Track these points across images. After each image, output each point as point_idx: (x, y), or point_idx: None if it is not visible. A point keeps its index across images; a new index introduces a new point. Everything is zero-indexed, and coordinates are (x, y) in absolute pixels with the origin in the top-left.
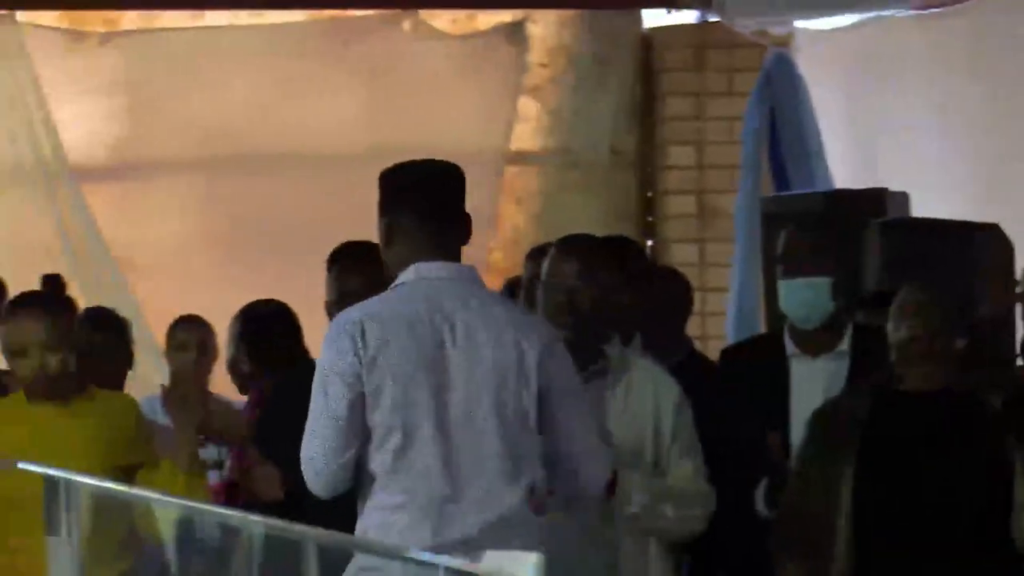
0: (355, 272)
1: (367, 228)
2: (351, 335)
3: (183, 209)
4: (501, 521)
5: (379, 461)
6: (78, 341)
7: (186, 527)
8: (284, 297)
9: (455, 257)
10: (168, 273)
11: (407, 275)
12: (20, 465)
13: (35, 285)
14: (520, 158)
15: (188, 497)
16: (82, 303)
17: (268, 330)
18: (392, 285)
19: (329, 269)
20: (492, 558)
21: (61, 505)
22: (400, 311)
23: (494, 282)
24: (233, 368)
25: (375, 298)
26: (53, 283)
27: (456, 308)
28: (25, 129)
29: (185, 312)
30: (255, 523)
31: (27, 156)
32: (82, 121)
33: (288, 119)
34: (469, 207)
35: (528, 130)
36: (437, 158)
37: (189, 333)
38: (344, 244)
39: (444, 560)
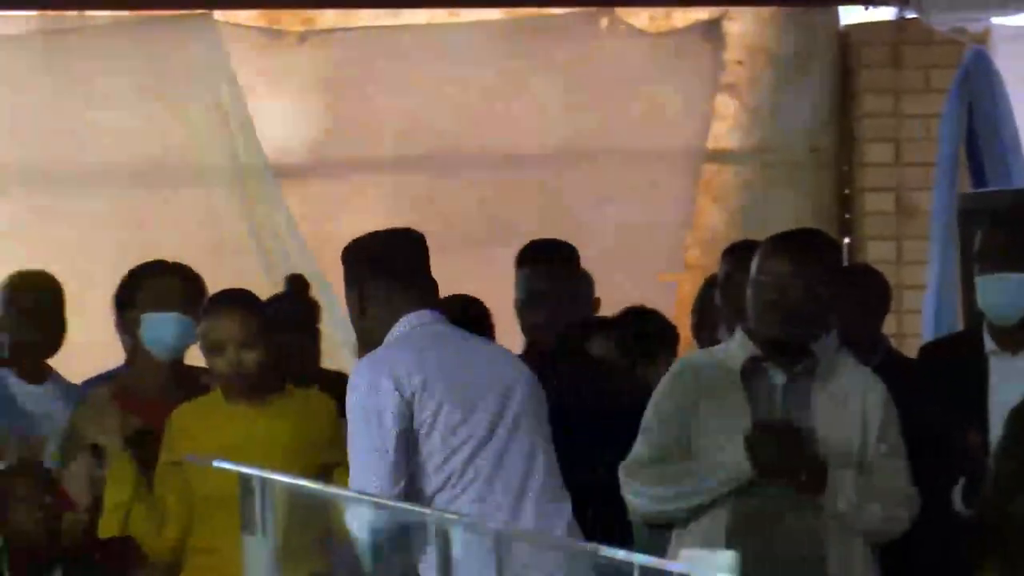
0: (544, 271)
1: (561, 227)
2: (391, 374)
3: (379, 207)
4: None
5: (433, 489)
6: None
7: (380, 525)
8: (478, 294)
9: (434, 305)
10: None
11: (401, 327)
12: (216, 464)
13: (232, 283)
14: (717, 156)
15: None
16: None
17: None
18: (390, 337)
19: (518, 267)
20: (686, 556)
21: (257, 503)
22: (422, 348)
23: (692, 279)
24: None
25: (389, 345)
26: (297, 283)
27: (461, 347)
28: (222, 128)
29: None
30: (448, 520)
31: (224, 155)
32: (279, 120)
33: (485, 117)
34: (668, 203)
35: (725, 128)
36: (400, 227)
37: None
38: (533, 242)
39: (639, 559)
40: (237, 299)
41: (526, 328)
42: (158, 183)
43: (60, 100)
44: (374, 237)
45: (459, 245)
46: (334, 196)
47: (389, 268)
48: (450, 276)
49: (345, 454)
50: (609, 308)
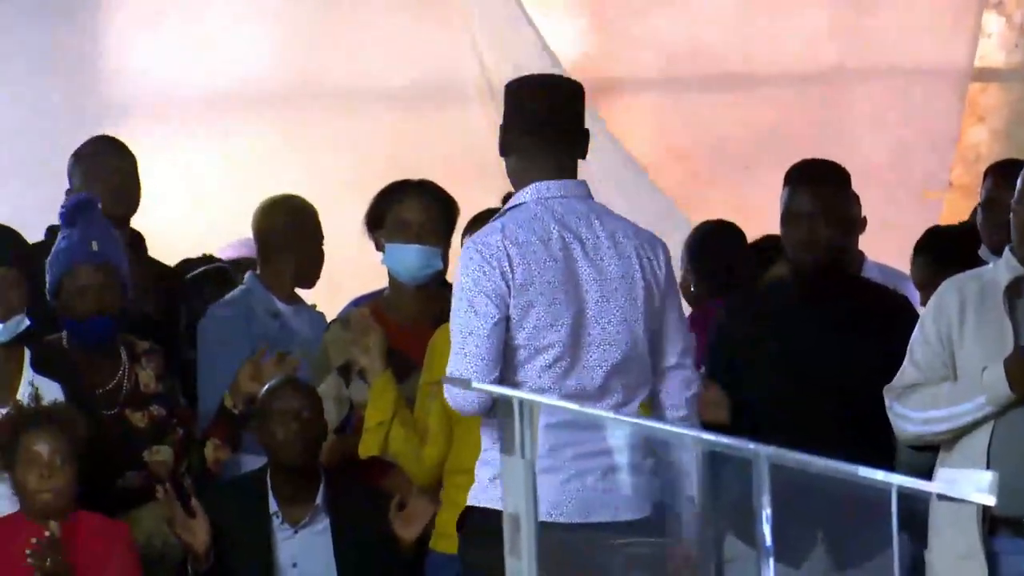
0: (809, 191)
1: (831, 146)
2: (496, 258)
3: (646, 129)
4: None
5: (526, 379)
6: None
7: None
8: (747, 217)
9: (570, 173)
10: (628, 193)
11: (525, 195)
12: (474, 385)
13: (481, 204)
14: (984, 75)
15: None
16: None
17: (710, 249)
18: (510, 204)
19: (784, 186)
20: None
21: (516, 424)
22: (533, 232)
23: (956, 198)
24: (684, 288)
25: (501, 221)
26: None
27: (580, 225)
28: (472, 47)
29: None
30: (704, 441)
31: (473, 74)
32: (549, 40)
33: (754, 37)
34: (934, 122)
35: (992, 46)
36: (560, 75)
37: None
38: (801, 162)
39: (897, 479)
40: None
41: (788, 246)
42: (421, 102)
43: (326, 21)
44: (534, 82)
45: (730, 166)
46: (602, 117)
47: (533, 121)
48: (722, 197)
49: None
50: (875, 227)
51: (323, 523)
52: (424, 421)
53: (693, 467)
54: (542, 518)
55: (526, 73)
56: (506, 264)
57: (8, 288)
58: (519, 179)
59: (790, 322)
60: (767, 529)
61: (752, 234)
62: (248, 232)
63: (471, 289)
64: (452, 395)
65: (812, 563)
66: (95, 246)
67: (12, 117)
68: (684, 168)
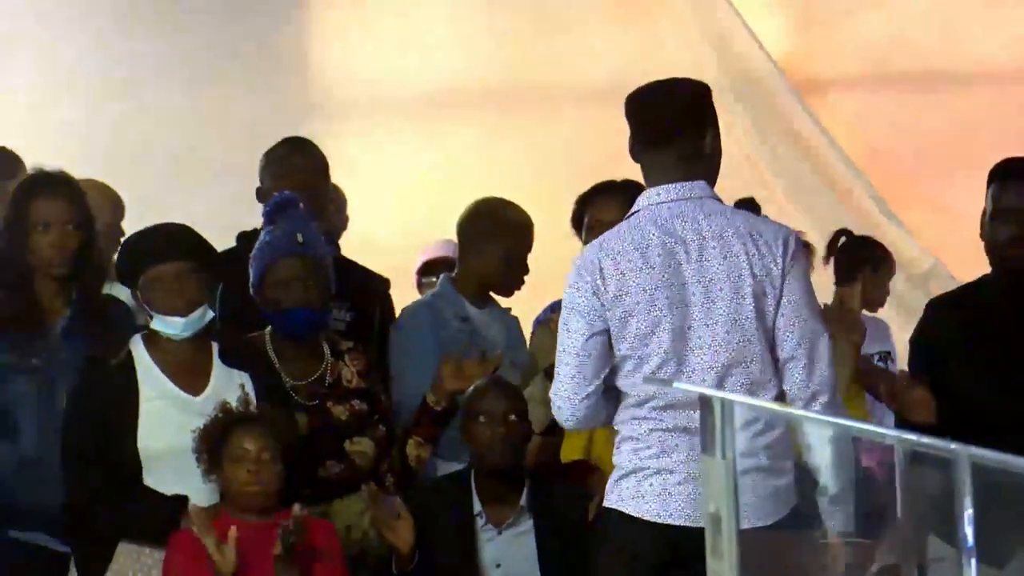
0: (1014, 187)
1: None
2: (590, 273)
3: (852, 127)
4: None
5: (633, 388)
6: None
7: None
8: (952, 217)
9: (685, 175)
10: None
11: (640, 202)
12: (676, 384)
13: None
14: None
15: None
16: None
17: None
18: (629, 212)
19: (989, 183)
20: None
21: (716, 424)
22: (632, 241)
23: None
24: None
25: (612, 231)
26: (747, 205)
27: (685, 228)
28: (695, 45)
29: None
30: (906, 441)
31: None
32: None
33: (959, 35)
34: None
35: None
36: (681, 78)
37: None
38: (1007, 159)
39: None
40: None
41: (991, 245)
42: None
43: (533, 20)
44: (645, 90)
45: (935, 166)
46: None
47: (642, 129)
48: (924, 197)
49: None
50: None
51: (527, 524)
52: None
53: (842, 460)
54: (650, 517)
55: (739, 70)
56: (598, 278)
57: (187, 281)
58: (646, 183)
59: (997, 321)
60: (969, 530)
61: (955, 235)
62: (447, 233)
63: (567, 307)
64: (558, 405)
65: (1017, 563)
66: (300, 239)
67: (222, 118)
68: (888, 167)
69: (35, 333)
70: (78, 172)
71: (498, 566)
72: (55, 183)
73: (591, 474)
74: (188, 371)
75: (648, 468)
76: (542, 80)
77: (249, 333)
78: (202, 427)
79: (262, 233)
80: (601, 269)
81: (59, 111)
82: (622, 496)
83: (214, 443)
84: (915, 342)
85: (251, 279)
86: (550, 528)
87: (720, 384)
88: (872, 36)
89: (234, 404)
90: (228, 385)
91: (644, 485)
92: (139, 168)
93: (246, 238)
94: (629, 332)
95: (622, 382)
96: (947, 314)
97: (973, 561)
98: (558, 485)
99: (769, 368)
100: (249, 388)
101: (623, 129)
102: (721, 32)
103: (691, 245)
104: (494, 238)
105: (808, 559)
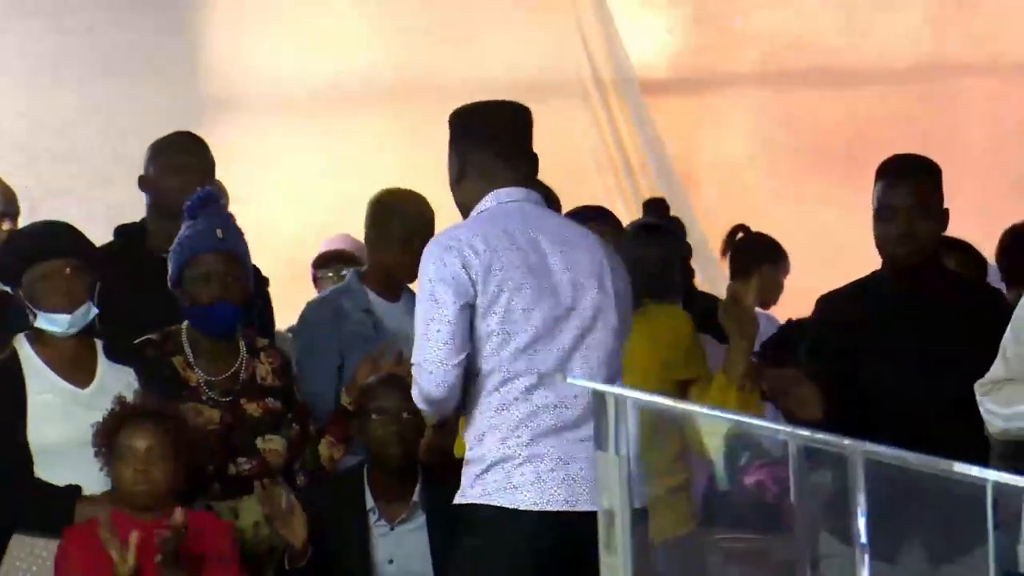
0: (900, 185)
1: (930, 141)
2: (458, 250)
3: (745, 123)
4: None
5: (499, 365)
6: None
7: (735, 442)
8: (848, 212)
9: (528, 185)
10: (727, 187)
11: (487, 202)
12: (569, 379)
13: (587, 201)
14: None
15: (740, 412)
16: (634, 217)
17: None
18: (473, 214)
19: (876, 181)
20: None
21: (610, 420)
22: (497, 225)
23: None
24: None
25: (465, 222)
26: (657, 206)
27: (540, 226)
28: (579, 41)
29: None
30: (799, 436)
31: (578, 69)
32: (644, 34)
33: (852, 32)
34: None
35: None
36: (508, 100)
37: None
38: (893, 157)
39: (993, 475)
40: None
41: (879, 243)
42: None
43: (437, 17)
44: (482, 107)
45: (827, 162)
46: (696, 112)
47: (490, 141)
48: (819, 194)
49: (700, 371)
50: (972, 218)
51: (419, 520)
52: None
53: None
54: (526, 507)
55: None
56: (468, 253)
57: (71, 279)
58: (476, 198)
59: (889, 318)
60: (863, 525)
61: (856, 230)
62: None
63: (433, 280)
64: (421, 378)
65: (907, 558)
66: (220, 234)
67: (118, 116)
68: (786, 165)
69: None
70: None
71: (391, 562)
72: None
73: None
74: (74, 366)
75: (517, 457)
76: (443, 76)
77: (127, 330)
78: (99, 422)
79: (182, 227)
80: (472, 246)
81: None
82: (488, 490)
83: (109, 438)
84: (811, 336)
85: (170, 273)
86: (442, 524)
87: (573, 363)
88: (763, 33)
89: (129, 398)
90: (115, 378)
91: (515, 475)
92: (32, 164)
93: (124, 232)
94: (499, 306)
95: (485, 362)
96: (846, 307)
97: (866, 557)
98: (452, 481)
99: (616, 360)
100: (133, 382)
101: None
102: (596, 32)
103: (554, 235)
104: (392, 226)
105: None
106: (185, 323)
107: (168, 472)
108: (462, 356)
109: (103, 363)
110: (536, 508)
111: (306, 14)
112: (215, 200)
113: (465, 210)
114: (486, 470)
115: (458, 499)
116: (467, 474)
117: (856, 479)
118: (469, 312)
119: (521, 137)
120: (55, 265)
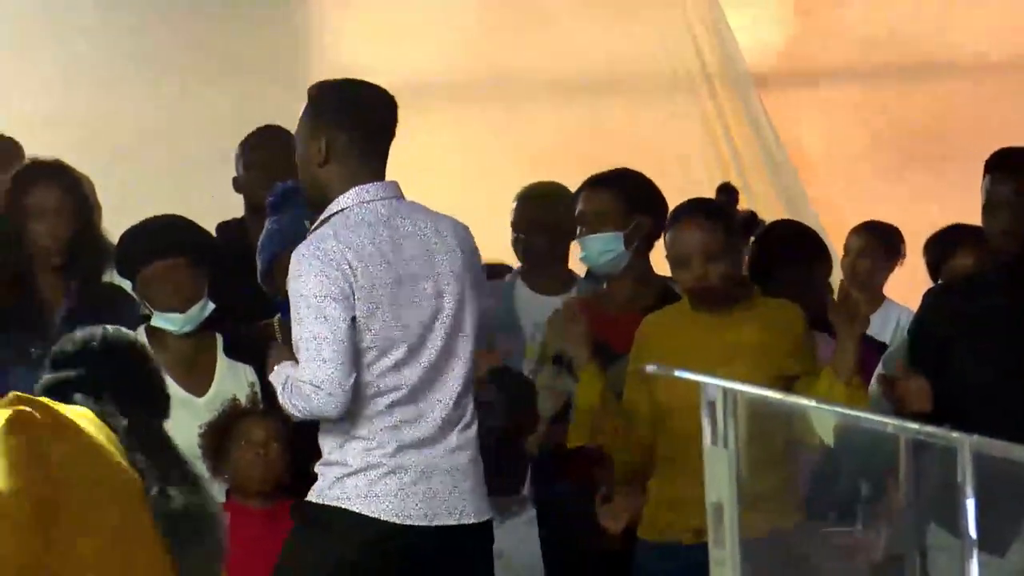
0: (1011, 178)
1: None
2: (336, 262)
3: (849, 115)
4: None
5: (372, 379)
6: (735, 250)
7: (844, 436)
8: (942, 207)
9: (383, 175)
10: (837, 179)
11: (346, 200)
12: (677, 373)
13: (695, 193)
14: None
15: (848, 406)
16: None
17: None
18: (331, 211)
19: (984, 174)
20: None
21: (719, 414)
22: (364, 236)
23: None
24: None
25: (331, 227)
26: (727, 192)
27: (405, 224)
28: (687, 34)
29: (864, 219)
30: (909, 430)
31: (685, 62)
32: (747, 26)
33: (948, 25)
34: None
35: None
36: (370, 82)
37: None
38: (1001, 150)
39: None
40: (702, 210)
41: (987, 236)
42: (621, 91)
43: (523, 11)
44: (355, 86)
45: (918, 156)
46: (803, 104)
47: (360, 125)
48: (910, 190)
49: (809, 365)
50: None
51: (530, 513)
52: (635, 406)
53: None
54: (386, 517)
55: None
56: (347, 267)
57: (183, 277)
58: (340, 186)
59: (994, 311)
60: (971, 518)
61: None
62: None
63: (317, 295)
64: (316, 398)
65: (1018, 551)
66: (309, 226)
67: (223, 116)
68: (890, 157)
69: (35, 324)
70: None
71: (500, 555)
72: (49, 172)
73: (597, 462)
74: (191, 370)
75: (381, 466)
76: (545, 72)
77: (239, 323)
78: (208, 423)
79: (267, 222)
80: (348, 260)
81: (48, 103)
82: (347, 494)
83: (220, 437)
84: (914, 331)
85: (259, 267)
86: (553, 517)
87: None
88: (866, 26)
89: (243, 401)
90: (234, 383)
91: (377, 485)
92: (130, 161)
93: (226, 229)
94: (375, 323)
95: (363, 375)
96: (946, 301)
97: (975, 550)
98: (562, 475)
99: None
100: (255, 381)
101: (603, 122)
102: (705, 25)
103: (416, 240)
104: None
105: (811, 551)
106: (277, 316)
107: (285, 461)
108: (355, 375)
109: (222, 364)
110: (395, 520)
111: (396, 9)
112: (299, 192)
113: (319, 194)
114: (348, 475)
115: (314, 498)
116: (325, 475)
117: (965, 472)
118: (353, 327)
119: (390, 126)
120: (168, 264)
